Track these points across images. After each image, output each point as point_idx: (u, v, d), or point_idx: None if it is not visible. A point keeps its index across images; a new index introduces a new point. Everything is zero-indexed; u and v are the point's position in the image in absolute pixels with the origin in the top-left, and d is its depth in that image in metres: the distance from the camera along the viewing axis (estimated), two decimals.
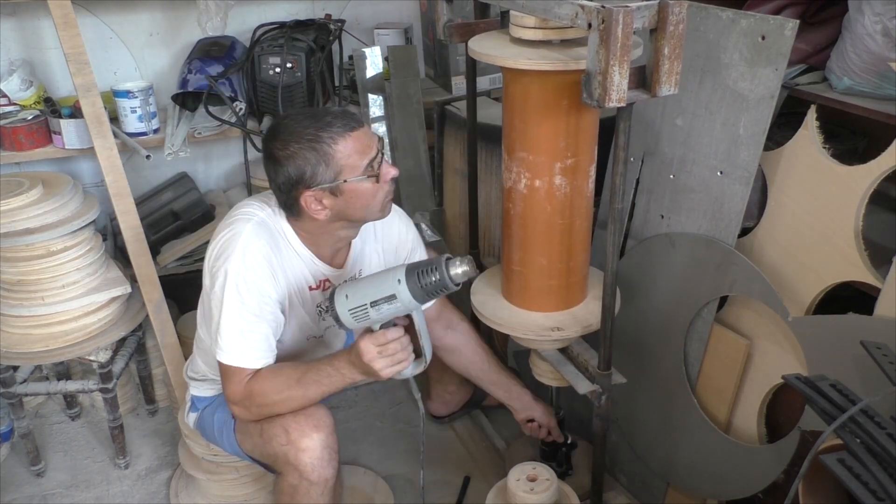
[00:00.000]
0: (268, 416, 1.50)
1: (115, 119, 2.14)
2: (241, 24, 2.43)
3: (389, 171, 1.49)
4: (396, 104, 2.26)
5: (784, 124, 1.59)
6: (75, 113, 2.04)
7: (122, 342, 2.14)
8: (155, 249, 2.14)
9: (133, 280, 2.09)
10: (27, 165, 2.25)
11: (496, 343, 2.41)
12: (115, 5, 2.31)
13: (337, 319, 1.41)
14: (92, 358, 2.04)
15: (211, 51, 2.30)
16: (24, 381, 2.10)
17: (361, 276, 1.67)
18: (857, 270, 1.40)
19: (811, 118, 1.46)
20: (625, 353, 1.75)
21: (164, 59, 2.44)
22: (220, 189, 2.67)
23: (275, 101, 2.26)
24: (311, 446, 1.46)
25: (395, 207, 1.66)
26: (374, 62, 2.30)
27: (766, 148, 1.51)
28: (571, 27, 1.25)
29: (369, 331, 1.42)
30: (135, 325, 2.14)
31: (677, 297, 1.69)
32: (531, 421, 1.90)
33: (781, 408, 1.61)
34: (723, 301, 1.64)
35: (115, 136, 1.99)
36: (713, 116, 1.57)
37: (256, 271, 1.46)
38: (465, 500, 1.98)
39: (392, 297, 1.36)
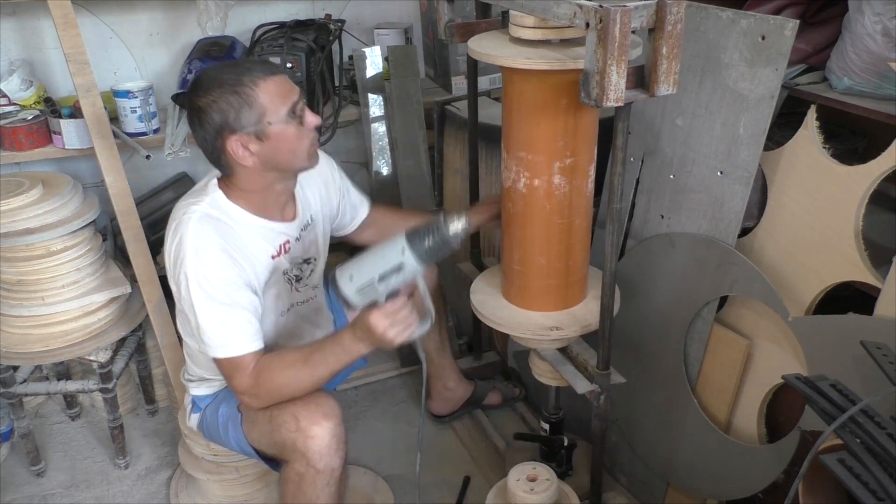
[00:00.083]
0: (278, 402, 1.50)
1: (115, 119, 2.13)
2: (241, 24, 2.43)
3: (312, 119, 1.51)
4: (396, 104, 2.26)
5: (784, 124, 1.58)
6: (75, 113, 2.04)
7: (122, 342, 2.14)
8: (155, 249, 2.14)
9: (133, 280, 2.09)
10: (27, 165, 2.26)
11: (496, 343, 2.41)
12: (115, 5, 2.31)
13: (345, 301, 1.41)
14: (92, 358, 2.04)
15: (211, 51, 2.30)
16: (24, 381, 2.11)
17: (314, 221, 1.68)
18: (857, 270, 1.40)
19: (811, 118, 1.46)
20: (625, 353, 1.75)
21: (164, 59, 2.44)
22: None
23: None
24: (319, 434, 1.46)
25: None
26: (374, 62, 2.30)
27: (766, 148, 1.51)
28: (570, 27, 1.25)
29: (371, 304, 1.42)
30: (135, 325, 2.14)
31: (677, 297, 1.69)
32: None
33: (781, 408, 1.60)
34: (723, 301, 1.64)
35: (115, 136, 2.00)
36: (713, 116, 1.57)
37: (213, 263, 1.46)
38: (465, 500, 1.98)
39: (399, 267, 1.37)
